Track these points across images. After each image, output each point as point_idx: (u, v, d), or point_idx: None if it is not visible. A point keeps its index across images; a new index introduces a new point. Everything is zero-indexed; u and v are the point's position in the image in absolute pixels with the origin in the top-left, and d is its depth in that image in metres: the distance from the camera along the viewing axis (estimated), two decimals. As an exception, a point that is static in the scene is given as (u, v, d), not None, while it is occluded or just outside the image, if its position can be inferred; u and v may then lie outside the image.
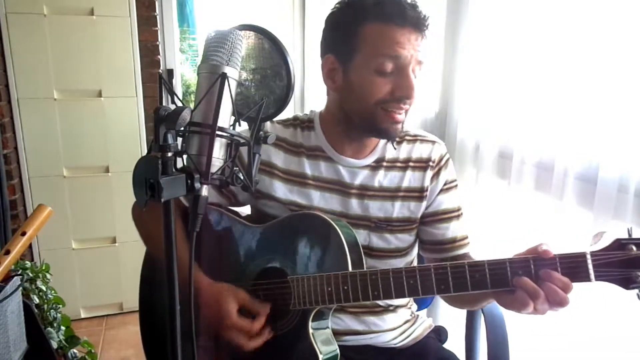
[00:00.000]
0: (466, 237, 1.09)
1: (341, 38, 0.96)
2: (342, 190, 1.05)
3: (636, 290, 0.73)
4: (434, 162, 1.07)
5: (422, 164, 1.07)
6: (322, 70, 1.01)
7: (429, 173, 1.06)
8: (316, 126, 1.08)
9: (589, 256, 0.74)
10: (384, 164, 1.06)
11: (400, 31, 0.91)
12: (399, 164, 1.06)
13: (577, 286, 0.76)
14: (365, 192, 1.05)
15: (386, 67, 0.92)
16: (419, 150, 1.08)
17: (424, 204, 1.06)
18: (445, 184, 1.08)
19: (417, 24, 0.93)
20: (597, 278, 0.74)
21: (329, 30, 1.00)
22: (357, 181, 1.05)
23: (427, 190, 1.06)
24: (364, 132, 1.01)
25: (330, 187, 1.05)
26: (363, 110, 0.97)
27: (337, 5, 0.98)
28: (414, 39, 0.93)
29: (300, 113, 1.14)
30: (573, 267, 0.75)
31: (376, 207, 1.04)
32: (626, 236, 0.74)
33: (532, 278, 0.77)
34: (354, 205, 1.04)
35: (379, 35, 0.92)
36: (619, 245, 0.74)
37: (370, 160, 1.06)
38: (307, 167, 1.05)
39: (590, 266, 0.74)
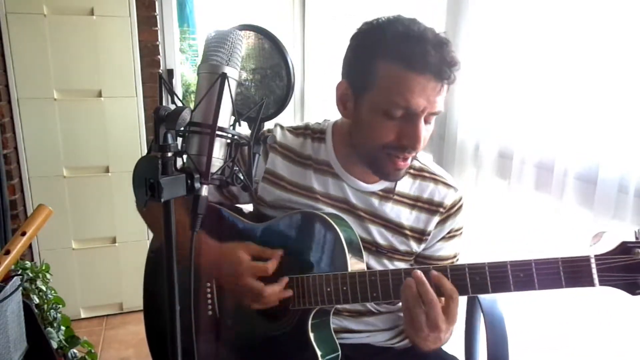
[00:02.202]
0: None
1: (357, 68, 0.90)
2: (349, 210, 1.02)
3: None
4: (444, 208, 1.02)
5: (432, 207, 1.02)
6: (336, 92, 0.95)
7: (436, 218, 1.02)
8: (327, 139, 1.04)
9: (593, 260, 0.72)
10: (392, 196, 1.01)
11: (417, 79, 0.83)
12: (407, 200, 1.02)
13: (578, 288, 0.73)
14: (370, 217, 1.02)
15: (395, 113, 0.86)
16: (432, 192, 1.02)
17: (423, 245, 1.04)
18: (449, 232, 1.04)
19: (439, 72, 0.83)
20: (602, 283, 0.71)
21: (349, 53, 0.93)
22: (363, 204, 1.02)
23: (429, 234, 1.03)
24: (366, 166, 0.97)
25: (338, 205, 1.02)
26: (368, 150, 0.93)
27: (363, 27, 0.91)
28: (430, 89, 0.84)
29: (312, 122, 1.09)
30: (576, 271, 0.73)
31: (379, 234, 1.02)
32: (633, 239, 0.71)
33: (533, 284, 0.75)
34: (359, 226, 1.01)
35: (393, 78, 0.84)
36: (624, 248, 0.71)
37: (378, 187, 1.02)
38: (315, 182, 1.02)
39: (594, 270, 0.72)
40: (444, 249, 1.05)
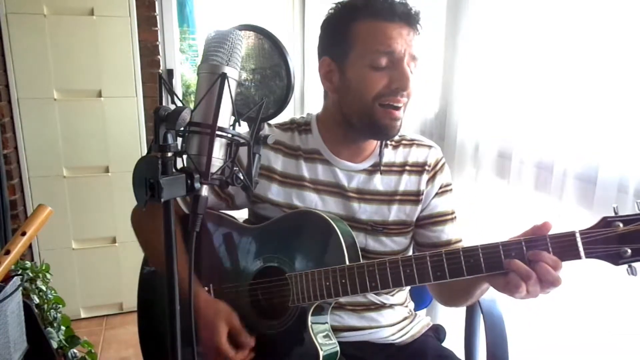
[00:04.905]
0: (460, 240, 1.10)
1: (335, 39, 0.98)
2: (340, 193, 1.05)
3: (625, 266, 0.74)
4: (429, 166, 1.08)
5: (418, 168, 1.07)
6: (320, 72, 1.02)
7: (425, 177, 1.07)
8: (313, 129, 1.09)
9: (578, 234, 0.76)
10: (381, 168, 1.06)
11: (392, 26, 0.93)
12: (395, 168, 1.07)
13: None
14: (361, 195, 1.05)
15: (380, 62, 0.93)
16: (415, 155, 1.08)
17: (420, 207, 1.07)
18: (440, 188, 1.08)
19: (408, 18, 0.94)
20: (587, 255, 0.76)
21: (323, 33, 1.03)
22: (354, 184, 1.05)
23: (422, 193, 1.07)
24: (363, 133, 1.02)
25: (328, 189, 1.05)
26: (362, 108, 0.97)
27: (330, 10, 1.01)
28: (405, 34, 0.94)
29: (297, 116, 1.14)
30: (563, 245, 0.77)
31: (372, 210, 1.05)
32: (612, 214, 0.76)
33: (524, 260, 0.78)
34: (351, 208, 1.05)
35: (370, 31, 0.94)
36: (605, 223, 0.75)
37: (367, 164, 1.06)
38: (305, 170, 1.06)
39: (579, 244, 0.76)
40: (440, 205, 1.08)
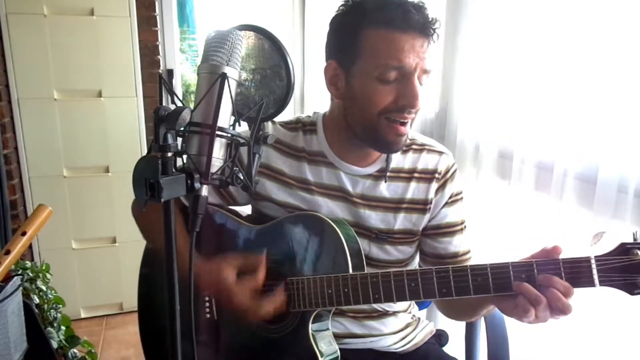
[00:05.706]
0: (468, 252, 1.06)
1: (343, 43, 0.92)
2: (344, 198, 1.02)
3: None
4: (440, 173, 1.03)
5: (428, 175, 1.02)
6: (325, 75, 0.97)
7: (434, 185, 1.02)
8: (319, 130, 1.04)
9: (593, 261, 0.73)
10: (388, 174, 1.01)
11: (404, 37, 0.86)
12: (403, 174, 1.03)
13: (579, 289, 0.74)
14: (366, 202, 1.01)
15: (389, 76, 0.88)
16: (425, 161, 1.03)
17: (427, 216, 1.03)
18: (450, 197, 1.04)
19: (423, 28, 0.87)
20: (602, 283, 0.73)
21: (331, 34, 0.96)
22: (359, 190, 1.02)
23: (431, 202, 1.02)
24: (366, 144, 0.97)
25: (332, 193, 1.02)
26: (366, 121, 0.93)
27: (340, 7, 0.95)
28: (419, 46, 0.87)
29: (303, 115, 1.11)
30: (577, 271, 0.74)
31: (377, 218, 1.01)
32: (631, 240, 0.72)
33: (534, 283, 0.75)
34: (356, 214, 1.01)
35: (380, 41, 0.87)
36: (623, 249, 0.72)
37: (373, 169, 1.02)
38: (309, 173, 1.02)
39: (594, 271, 0.72)
40: (449, 215, 1.04)
